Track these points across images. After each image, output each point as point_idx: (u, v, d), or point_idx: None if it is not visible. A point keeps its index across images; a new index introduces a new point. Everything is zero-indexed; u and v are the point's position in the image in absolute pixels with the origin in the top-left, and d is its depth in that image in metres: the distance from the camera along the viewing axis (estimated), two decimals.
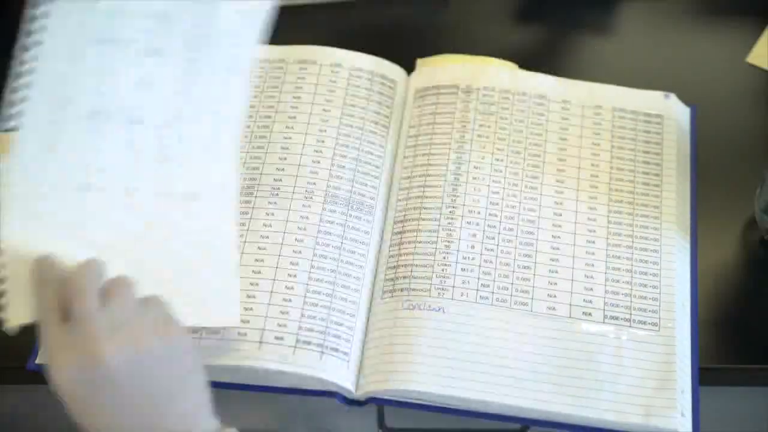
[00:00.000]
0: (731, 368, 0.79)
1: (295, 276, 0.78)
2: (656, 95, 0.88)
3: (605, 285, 0.79)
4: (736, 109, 0.92)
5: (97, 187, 0.72)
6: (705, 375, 0.76)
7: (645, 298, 0.78)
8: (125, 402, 0.61)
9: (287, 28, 0.98)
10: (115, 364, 0.60)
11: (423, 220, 0.82)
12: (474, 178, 0.83)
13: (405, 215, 0.82)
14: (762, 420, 0.92)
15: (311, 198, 0.82)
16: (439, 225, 0.81)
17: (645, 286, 0.79)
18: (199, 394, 0.65)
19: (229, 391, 0.77)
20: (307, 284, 0.78)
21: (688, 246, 0.82)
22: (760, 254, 0.84)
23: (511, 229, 0.81)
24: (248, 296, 0.77)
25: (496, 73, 0.90)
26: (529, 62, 0.91)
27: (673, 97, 0.88)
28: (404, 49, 0.93)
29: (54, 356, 0.61)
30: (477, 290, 0.78)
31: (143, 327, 0.62)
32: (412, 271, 0.79)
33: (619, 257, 0.80)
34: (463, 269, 0.79)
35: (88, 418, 0.61)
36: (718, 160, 0.87)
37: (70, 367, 0.60)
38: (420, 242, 0.80)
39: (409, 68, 0.92)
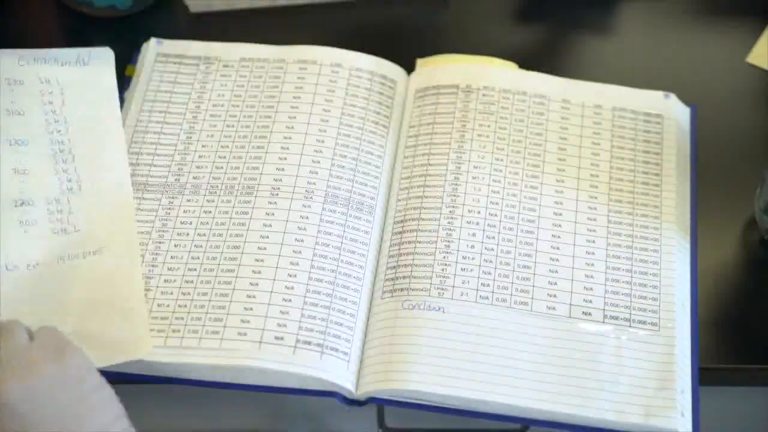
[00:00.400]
0: (731, 368, 0.79)
1: (295, 276, 0.78)
2: (656, 95, 0.88)
3: (605, 285, 0.79)
4: (736, 109, 0.92)
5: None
6: (705, 375, 0.76)
7: (645, 298, 0.78)
8: (37, 429, 0.62)
9: (287, 28, 0.98)
10: (12, 396, 0.62)
11: (423, 219, 0.82)
12: (474, 178, 0.83)
13: (405, 215, 0.82)
14: (762, 420, 0.92)
15: (311, 198, 0.82)
16: (438, 224, 0.81)
17: (645, 285, 0.79)
18: (111, 407, 0.66)
19: (230, 391, 0.77)
20: (307, 284, 0.78)
21: (688, 246, 0.82)
22: (760, 254, 0.84)
23: (511, 229, 0.81)
24: (248, 296, 0.77)
25: (496, 72, 0.90)
26: (529, 62, 0.91)
27: (673, 97, 0.88)
28: (404, 49, 0.93)
29: None
30: (477, 290, 0.78)
31: (34, 356, 0.64)
32: (412, 271, 0.79)
33: (618, 257, 0.80)
34: (463, 269, 0.79)
35: None
36: (718, 160, 0.87)
37: None
38: (420, 242, 0.80)
39: (409, 68, 0.92)
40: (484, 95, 0.88)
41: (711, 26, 0.98)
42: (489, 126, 0.86)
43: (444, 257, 0.79)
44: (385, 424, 0.86)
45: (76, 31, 0.97)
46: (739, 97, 0.93)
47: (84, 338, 0.71)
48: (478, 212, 0.82)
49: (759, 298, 0.82)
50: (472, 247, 0.80)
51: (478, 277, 0.78)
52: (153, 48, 0.92)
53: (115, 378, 0.76)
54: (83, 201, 0.80)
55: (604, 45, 0.96)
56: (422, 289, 0.78)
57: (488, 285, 0.78)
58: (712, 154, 0.87)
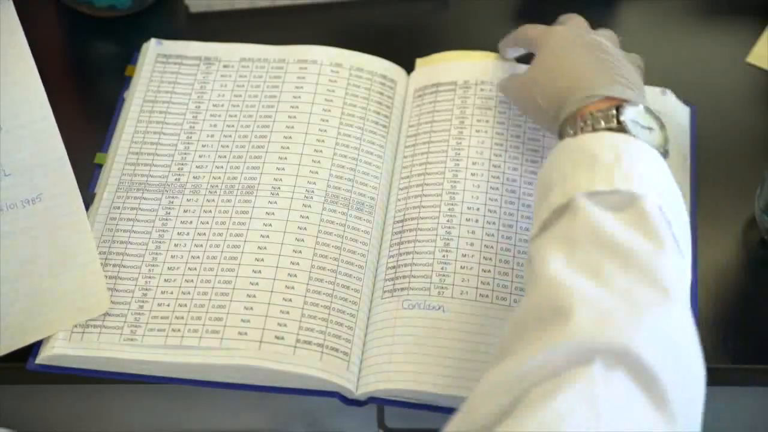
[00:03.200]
0: (731, 368, 0.79)
1: (295, 276, 0.78)
2: (653, 91, 0.88)
3: None
4: (736, 108, 0.92)
5: None
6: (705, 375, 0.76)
7: None
8: None
9: (287, 28, 0.98)
10: None
11: (422, 218, 0.82)
12: (472, 174, 0.83)
13: (404, 215, 0.82)
14: (762, 420, 0.92)
15: (311, 198, 0.82)
16: (438, 222, 0.81)
17: None
18: None
19: (230, 391, 0.77)
20: (307, 284, 0.78)
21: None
22: (760, 254, 0.84)
23: (510, 226, 0.81)
24: (248, 296, 0.77)
25: (493, 67, 0.90)
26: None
27: (669, 93, 0.88)
28: (404, 49, 0.94)
29: None
30: (477, 288, 0.78)
31: None
32: (411, 271, 0.79)
33: None
34: (462, 267, 0.79)
35: None
36: (718, 160, 0.87)
37: None
38: (419, 241, 0.80)
39: (409, 68, 0.92)
40: (481, 90, 0.88)
41: (711, 26, 0.98)
42: (487, 121, 0.86)
43: (444, 256, 0.79)
44: (385, 424, 0.86)
45: (76, 31, 0.98)
46: (739, 97, 0.92)
47: (37, 301, 0.69)
48: (477, 209, 0.81)
49: (759, 298, 0.82)
50: (472, 244, 0.80)
51: (478, 276, 0.78)
52: (153, 48, 0.92)
53: (115, 378, 0.76)
54: (4, 141, 0.75)
55: None
56: (422, 289, 0.78)
57: (488, 283, 0.78)
58: (712, 154, 0.87)
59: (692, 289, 0.79)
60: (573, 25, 0.82)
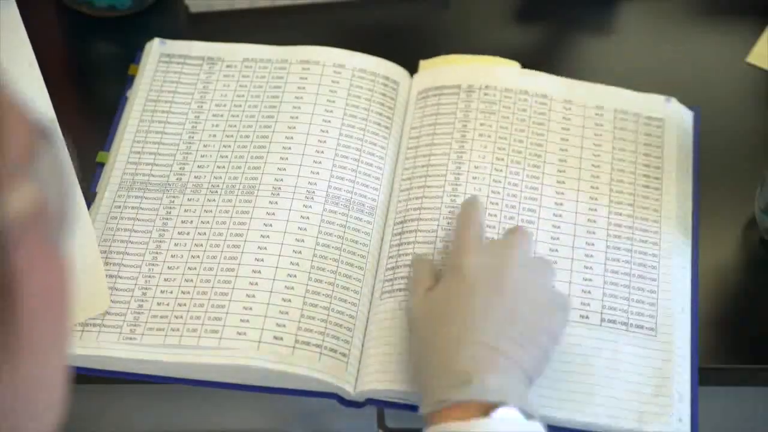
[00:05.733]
0: (731, 368, 0.79)
1: (295, 276, 0.78)
2: (658, 99, 0.88)
3: (603, 288, 0.78)
4: (736, 108, 0.91)
5: None
6: (705, 375, 0.76)
7: (643, 302, 0.77)
8: None
9: (287, 28, 0.98)
10: None
11: (422, 220, 0.81)
12: (474, 178, 0.83)
13: (405, 216, 0.82)
14: (762, 420, 0.92)
15: (312, 198, 0.82)
16: (438, 225, 0.81)
17: (643, 290, 0.78)
18: None
19: (229, 391, 0.76)
20: (307, 285, 0.78)
21: (689, 250, 0.81)
22: (760, 254, 0.84)
23: None
24: (248, 296, 0.77)
25: (498, 72, 0.89)
26: (529, 62, 0.91)
27: (674, 101, 0.88)
28: (404, 49, 0.94)
29: None
30: None
31: None
32: (410, 273, 0.78)
33: (617, 260, 0.79)
34: None
35: None
36: (719, 160, 0.87)
37: None
38: (419, 243, 0.80)
39: (409, 68, 0.92)
40: (485, 95, 0.88)
41: (711, 26, 0.97)
42: (491, 126, 0.86)
43: (442, 259, 0.79)
44: (385, 424, 0.85)
45: (76, 31, 0.98)
46: (739, 97, 0.92)
47: None
48: None
49: (759, 298, 0.82)
50: None
51: None
52: (156, 48, 0.92)
53: (114, 378, 0.76)
54: None
55: (604, 45, 0.96)
56: None
57: None
58: (712, 153, 0.87)
59: (693, 293, 0.79)
60: (507, 250, 0.73)
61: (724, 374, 0.79)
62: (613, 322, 0.76)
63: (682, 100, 0.89)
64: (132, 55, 0.92)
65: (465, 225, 0.76)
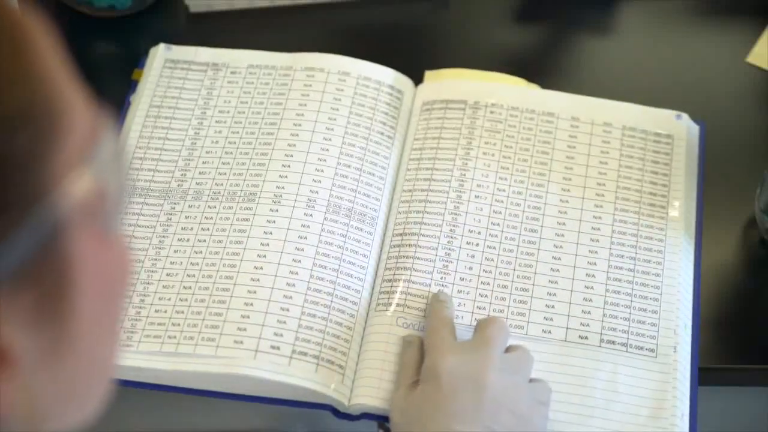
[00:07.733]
0: (731, 368, 0.79)
1: (293, 285, 0.77)
2: (667, 114, 0.87)
3: (604, 308, 0.77)
4: (736, 108, 0.91)
5: None
6: (705, 375, 0.76)
7: (644, 322, 0.77)
8: None
9: (287, 29, 0.98)
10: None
11: (422, 236, 0.81)
12: (476, 197, 0.82)
13: (404, 228, 0.81)
14: (762, 420, 0.92)
15: (313, 207, 0.81)
16: (438, 242, 0.80)
17: (645, 310, 0.77)
18: None
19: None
20: (306, 294, 0.77)
21: (691, 269, 0.80)
22: (760, 254, 0.84)
23: (510, 251, 0.80)
24: (245, 304, 0.76)
25: (504, 89, 0.88)
26: (529, 63, 0.91)
27: (685, 117, 0.87)
28: (404, 49, 0.93)
29: None
30: (472, 312, 0.77)
31: None
32: (408, 287, 0.78)
33: (619, 280, 0.79)
34: (459, 291, 0.78)
35: None
36: (718, 160, 0.87)
37: None
38: (418, 258, 0.79)
39: (408, 69, 0.91)
40: (491, 112, 0.87)
41: (711, 26, 0.97)
42: (495, 144, 0.85)
43: (441, 278, 0.78)
44: (386, 425, 0.86)
45: (76, 31, 0.97)
46: (738, 97, 0.92)
47: None
48: (479, 233, 0.81)
49: (759, 298, 0.82)
50: (470, 268, 0.79)
51: (474, 300, 0.77)
52: (162, 53, 0.91)
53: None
54: None
55: (604, 45, 0.96)
56: (418, 309, 0.77)
57: (484, 308, 0.77)
58: (711, 153, 0.87)
59: (693, 289, 0.79)
60: (483, 350, 0.70)
61: (724, 374, 0.79)
62: (613, 342, 0.76)
63: (682, 100, 0.89)
64: (132, 55, 0.92)
65: (435, 327, 0.73)
